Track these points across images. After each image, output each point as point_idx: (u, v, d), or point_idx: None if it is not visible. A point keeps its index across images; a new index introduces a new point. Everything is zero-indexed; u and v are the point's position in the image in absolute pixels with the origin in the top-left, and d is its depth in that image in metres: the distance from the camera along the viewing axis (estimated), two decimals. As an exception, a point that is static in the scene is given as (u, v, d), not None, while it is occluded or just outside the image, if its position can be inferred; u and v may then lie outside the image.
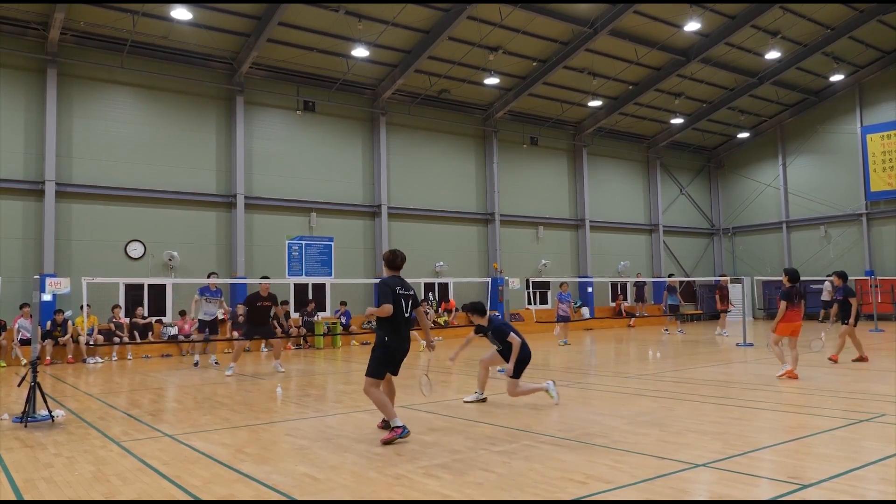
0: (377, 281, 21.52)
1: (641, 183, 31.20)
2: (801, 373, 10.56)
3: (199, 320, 14.64)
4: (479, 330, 8.96)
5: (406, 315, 6.76)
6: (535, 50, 22.57)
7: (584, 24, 21.14)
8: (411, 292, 6.87)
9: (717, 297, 21.43)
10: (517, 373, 8.48)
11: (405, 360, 6.97)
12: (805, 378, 10.46)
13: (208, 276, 15.93)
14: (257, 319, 13.27)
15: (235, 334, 18.49)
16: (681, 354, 15.33)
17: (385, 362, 6.75)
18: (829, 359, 12.20)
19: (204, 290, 14.61)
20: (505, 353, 8.59)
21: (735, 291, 28.35)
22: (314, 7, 18.45)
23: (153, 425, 7.68)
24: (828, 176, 29.57)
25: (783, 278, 10.67)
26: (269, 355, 16.19)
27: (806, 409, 7.79)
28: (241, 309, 18.88)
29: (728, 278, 22.36)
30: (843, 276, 12.47)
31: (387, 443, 6.37)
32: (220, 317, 14.93)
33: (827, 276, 27.29)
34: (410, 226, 23.75)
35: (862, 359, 12.21)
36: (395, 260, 6.99)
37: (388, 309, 6.55)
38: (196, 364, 14.51)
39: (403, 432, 6.44)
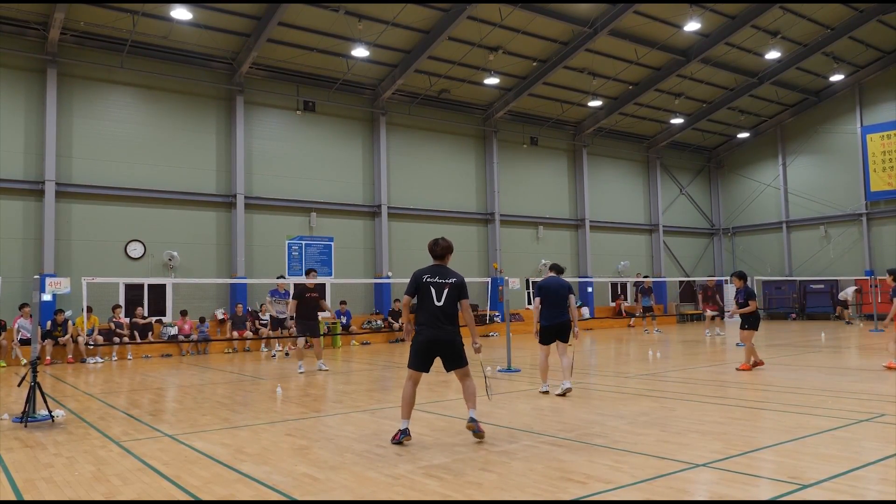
0: (376, 281, 21.68)
1: (641, 183, 31.20)
2: (799, 373, 10.57)
3: (272, 317, 17.09)
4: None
5: (438, 304, 6.38)
6: (535, 50, 22.57)
7: (584, 24, 21.14)
8: (449, 281, 6.49)
9: (700, 297, 21.13)
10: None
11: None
12: (804, 378, 10.47)
13: (278, 279, 17.85)
14: (306, 313, 12.86)
15: (236, 334, 18.56)
16: (681, 354, 15.33)
17: (414, 354, 6.44)
18: (738, 369, 11.50)
19: (274, 293, 16.64)
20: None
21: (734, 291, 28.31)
22: (314, 7, 18.45)
23: (153, 425, 7.67)
24: (828, 176, 29.57)
25: (888, 278, 11.97)
26: (280, 356, 16.24)
27: (806, 409, 7.79)
28: (240, 309, 19.02)
29: (713, 279, 22.02)
30: (742, 276, 11.93)
31: (394, 442, 6.33)
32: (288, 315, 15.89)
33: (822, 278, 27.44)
34: (410, 226, 23.75)
35: (745, 367, 11.42)
36: (433, 248, 6.77)
37: (403, 300, 6.61)
38: (279, 355, 16.72)
39: (400, 437, 6.32)
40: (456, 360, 6.48)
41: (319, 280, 21.09)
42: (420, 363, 6.44)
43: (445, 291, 6.45)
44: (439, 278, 6.51)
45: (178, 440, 6.80)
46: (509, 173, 26.38)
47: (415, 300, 6.60)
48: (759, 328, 11.71)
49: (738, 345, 16.53)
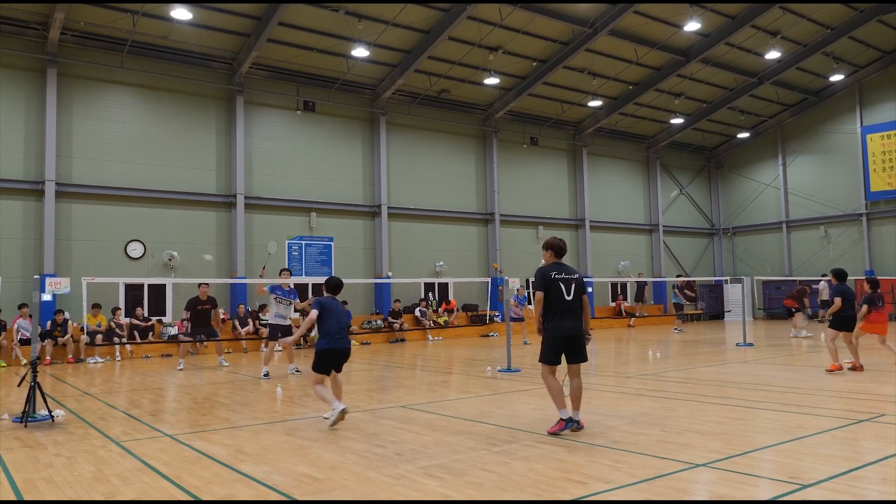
0: (376, 281, 21.65)
1: (641, 183, 31.20)
2: (800, 373, 10.55)
3: (271, 325, 12.58)
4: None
5: (567, 298, 6.70)
6: (535, 50, 22.57)
7: (584, 24, 21.14)
8: (574, 276, 6.83)
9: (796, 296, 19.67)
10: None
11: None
12: (804, 378, 10.47)
13: (280, 274, 13.52)
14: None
15: (243, 333, 18.54)
16: (681, 354, 15.33)
17: (549, 348, 6.76)
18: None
19: (276, 289, 12.50)
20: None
21: (734, 291, 28.38)
22: (314, 7, 18.45)
23: (153, 425, 7.67)
24: (828, 176, 29.57)
25: (865, 286, 11.73)
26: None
27: (806, 409, 7.78)
28: (241, 310, 19.01)
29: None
30: (834, 274, 11.47)
31: (552, 434, 6.54)
32: (289, 322, 12.64)
33: (822, 276, 27.37)
34: (410, 226, 23.75)
35: (833, 368, 11.13)
36: (561, 246, 6.99)
37: (538, 297, 6.73)
38: (266, 375, 12.13)
39: (568, 425, 6.57)
40: (581, 354, 6.78)
41: (319, 279, 21.07)
42: (556, 357, 6.76)
43: (573, 287, 6.77)
44: (566, 274, 6.81)
45: (178, 440, 6.80)
46: (509, 173, 26.38)
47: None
48: (843, 328, 10.92)
49: (738, 344, 16.53)
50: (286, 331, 12.39)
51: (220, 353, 14.79)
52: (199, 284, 14.57)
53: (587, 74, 24.30)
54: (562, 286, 6.71)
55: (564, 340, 6.70)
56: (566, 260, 7.02)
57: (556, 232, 27.64)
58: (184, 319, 16.57)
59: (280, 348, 17.03)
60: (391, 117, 23.42)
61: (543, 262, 6.99)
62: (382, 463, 5.67)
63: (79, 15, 17.37)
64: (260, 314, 19.13)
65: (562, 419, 6.61)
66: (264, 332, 18.13)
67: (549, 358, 6.74)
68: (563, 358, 6.80)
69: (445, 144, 24.95)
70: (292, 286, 12.99)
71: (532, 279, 24.21)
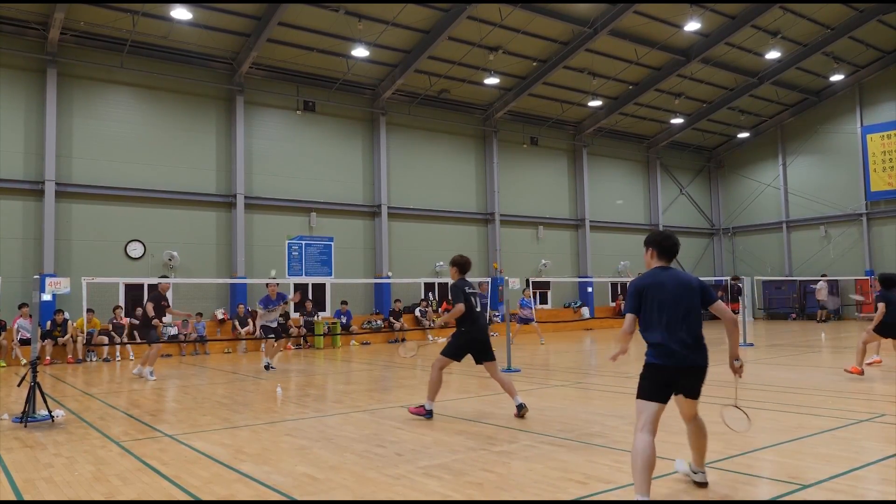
0: (376, 281, 21.66)
1: (641, 183, 31.20)
2: (800, 373, 10.55)
3: (263, 326, 14.09)
4: None
5: (478, 309, 7.75)
6: (535, 50, 22.57)
7: (584, 24, 21.14)
8: (477, 290, 8.01)
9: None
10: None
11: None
12: (804, 378, 10.46)
13: (267, 286, 14.66)
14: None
15: (243, 333, 18.57)
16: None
17: (461, 347, 7.66)
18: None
19: (266, 302, 13.91)
20: None
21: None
22: (314, 7, 18.45)
23: (153, 425, 7.67)
24: (828, 176, 29.57)
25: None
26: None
27: (806, 409, 7.78)
28: (241, 310, 19.02)
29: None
30: (879, 279, 10.91)
31: (412, 413, 7.61)
32: (276, 325, 14.16)
33: (821, 276, 27.43)
34: (410, 226, 23.75)
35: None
36: (465, 265, 8.06)
37: (461, 308, 7.55)
38: (267, 367, 13.40)
39: (426, 415, 7.50)
40: None
41: (319, 279, 21.22)
42: (459, 356, 7.92)
43: (477, 299, 8.06)
44: (471, 289, 7.99)
45: (178, 440, 6.80)
46: (509, 173, 26.38)
47: None
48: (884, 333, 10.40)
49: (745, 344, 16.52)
50: (275, 330, 14.14)
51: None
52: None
53: (587, 74, 24.29)
54: (473, 299, 7.80)
55: (476, 344, 7.83)
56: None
57: (557, 232, 27.66)
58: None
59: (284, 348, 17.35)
60: (391, 117, 23.42)
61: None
62: (382, 463, 5.67)
63: (79, 15, 17.36)
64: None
65: (423, 406, 7.64)
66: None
67: (455, 355, 7.78)
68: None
69: (445, 144, 24.94)
70: (279, 293, 14.35)
71: (530, 279, 24.11)
